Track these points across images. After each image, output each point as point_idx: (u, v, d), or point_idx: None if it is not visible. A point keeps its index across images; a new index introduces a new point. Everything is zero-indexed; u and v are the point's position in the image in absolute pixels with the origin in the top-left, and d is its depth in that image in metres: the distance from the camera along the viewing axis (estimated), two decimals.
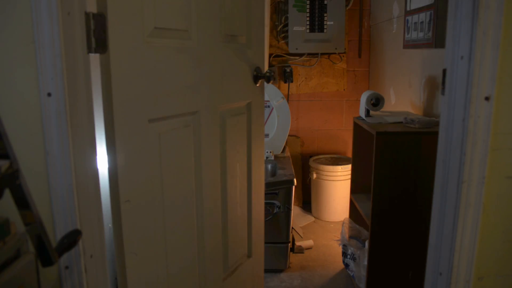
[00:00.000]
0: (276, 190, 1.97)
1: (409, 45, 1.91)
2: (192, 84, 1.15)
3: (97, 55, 0.89)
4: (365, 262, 1.79)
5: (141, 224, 1.03)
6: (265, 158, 2.31)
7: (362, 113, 1.95)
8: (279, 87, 2.88)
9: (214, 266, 1.32)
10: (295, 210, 2.89)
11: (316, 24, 2.69)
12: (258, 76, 1.43)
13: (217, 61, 1.25)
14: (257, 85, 1.44)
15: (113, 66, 0.91)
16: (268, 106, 2.39)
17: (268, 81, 1.43)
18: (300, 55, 2.85)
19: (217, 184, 1.29)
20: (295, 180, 1.98)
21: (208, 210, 1.25)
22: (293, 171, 2.10)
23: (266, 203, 1.98)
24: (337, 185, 2.68)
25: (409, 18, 1.89)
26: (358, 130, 2.05)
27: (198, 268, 1.25)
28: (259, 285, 1.60)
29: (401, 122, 1.77)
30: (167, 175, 1.08)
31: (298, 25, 2.70)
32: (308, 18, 2.68)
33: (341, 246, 2.05)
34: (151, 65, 1.00)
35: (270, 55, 2.80)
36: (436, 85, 1.81)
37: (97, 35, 0.86)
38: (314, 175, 2.73)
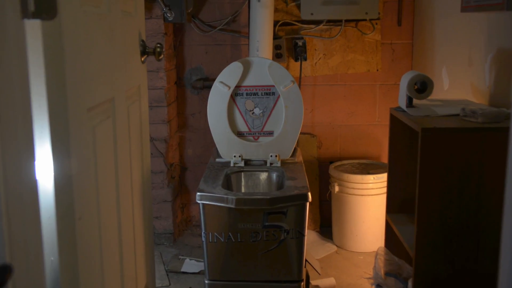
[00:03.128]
0: (284, 209, 1.96)
1: (469, 6, 1.90)
2: (109, 63, 1.22)
3: (36, 21, 0.88)
4: None
5: (89, 251, 1.07)
6: (268, 164, 2.31)
7: (402, 103, 1.95)
8: (287, 67, 2.87)
9: None
10: (310, 236, 2.89)
11: None
12: (146, 51, 1.54)
13: (120, 33, 1.32)
14: (143, 63, 1.57)
15: (66, 37, 0.93)
16: (273, 93, 2.38)
17: (158, 58, 1.55)
18: (317, 22, 2.84)
19: (128, 189, 1.40)
20: (309, 194, 1.97)
21: (124, 222, 1.35)
22: (307, 182, 2.09)
23: (270, 227, 1.97)
24: (368, 202, 2.67)
25: None
26: (397, 126, 2.04)
27: None
28: None
29: (458, 115, 1.76)
30: (100, 181, 1.16)
31: None
32: None
33: (374, 286, 2.04)
34: (86, 37, 1.06)
35: (275, 22, 2.79)
36: (508, 63, 1.80)
37: None
38: (336, 188, 2.72)
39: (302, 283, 2.05)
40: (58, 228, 0.96)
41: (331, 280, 2.41)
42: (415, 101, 1.92)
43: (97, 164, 1.14)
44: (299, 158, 2.44)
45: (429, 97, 1.91)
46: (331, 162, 2.94)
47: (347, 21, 2.83)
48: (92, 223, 1.10)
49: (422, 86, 1.88)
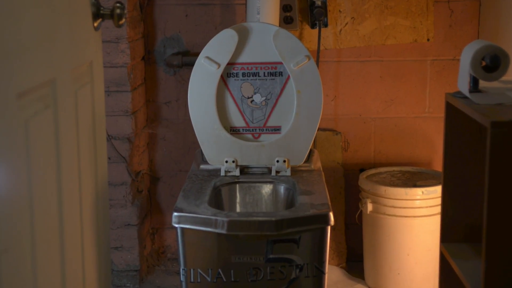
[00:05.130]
0: (296, 235, 1.96)
1: None
2: (47, 30, 1.24)
3: None
4: None
5: None
6: (273, 173, 2.31)
7: (463, 86, 1.93)
8: (300, 37, 2.87)
9: None
10: (332, 273, 2.89)
11: None
12: (100, 14, 1.56)
13: None
14: (97, 30, 1.60)
15: None
16: (280, 74, 2.38)
17: (118, 23, 1.56)
18: None
19: (76, 209, 1.43)
20: (331, 215, 1.97)
21: (69, 255, 1.37)
22: (328, 198, 2.09)
23: (276, 260, 1.97)
24: (414, 226, 2.68)
25: None
26: (456, 118, 2.04)
27: None
28: None
29: None
30: (36, 198, 1.17)
31: None
32: None
33: None
34: None
35: None
36: None
37: None
38: (369, 206, 2.72)
39: None
40: None
41: None
42: (482, 83, 1.91)
43: (31, 173, 1.13)
44: (317, 164, 2.44)
45: (503, 78, 1.89)
46: (362, 170, 2.95)
47: None
48: (23, 257, 1.09)
49: (492, 62, 1.86)
